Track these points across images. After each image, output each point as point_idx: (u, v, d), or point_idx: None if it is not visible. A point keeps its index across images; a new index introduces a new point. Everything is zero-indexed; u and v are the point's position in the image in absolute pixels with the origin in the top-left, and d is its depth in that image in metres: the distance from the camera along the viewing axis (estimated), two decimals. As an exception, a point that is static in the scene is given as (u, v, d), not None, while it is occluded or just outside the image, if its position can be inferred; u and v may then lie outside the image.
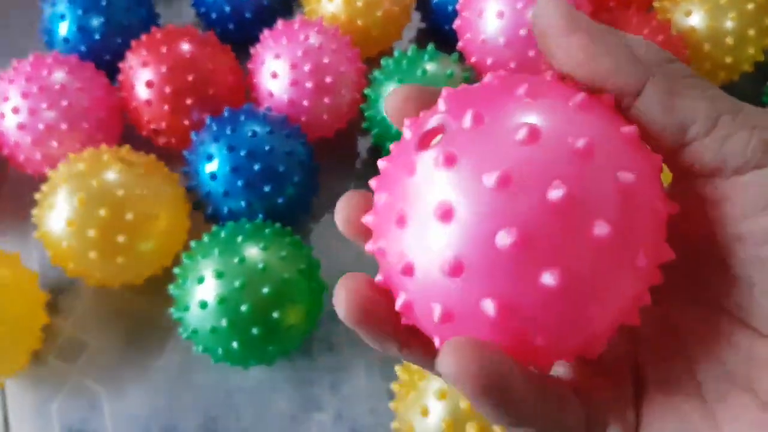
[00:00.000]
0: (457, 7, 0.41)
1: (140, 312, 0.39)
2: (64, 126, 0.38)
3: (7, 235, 0.42)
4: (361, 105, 0.42)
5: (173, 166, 0.40)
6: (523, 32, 0.37)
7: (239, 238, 0.33)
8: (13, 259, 0.35)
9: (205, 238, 0.34)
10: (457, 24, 0.41)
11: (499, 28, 0.38)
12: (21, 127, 0.37)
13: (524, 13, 0.37)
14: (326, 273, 0.37)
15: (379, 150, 0.44)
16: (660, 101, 0.16)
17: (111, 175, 0.34)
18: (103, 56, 0.43)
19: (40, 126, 0.37)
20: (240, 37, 0.45)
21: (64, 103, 0.38)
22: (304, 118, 0.41)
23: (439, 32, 0.47)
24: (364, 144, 0.46)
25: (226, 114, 0.38)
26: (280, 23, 0.41)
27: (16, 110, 0.37)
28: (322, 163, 0.42)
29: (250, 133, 0.36)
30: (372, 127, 0.42)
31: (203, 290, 0.32)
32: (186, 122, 0.40)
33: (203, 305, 0.32)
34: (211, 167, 0.36)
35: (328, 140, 0.44)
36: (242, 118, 0.37)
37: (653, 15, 0.42)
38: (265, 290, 0.32)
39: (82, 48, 0.42)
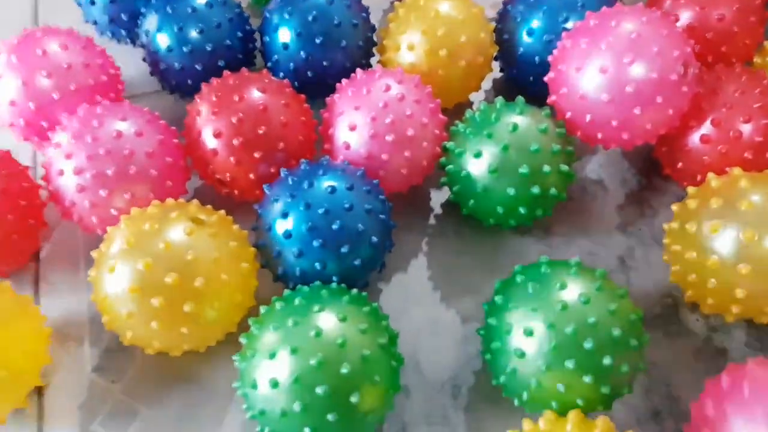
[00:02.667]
0: (550, 59, 0.38)
1: (197, 378, 0.35)
2: (128, 174, 0.35)
3: (55, 284, 0.40)
4: (441, 159, 0.39)
5: (236, 216, 0.37)
6: (629, 89, 0.34)
7: (315, 308, 0.30)
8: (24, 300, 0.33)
9: (277, 305, 0.31)
10: (550, 77, 0.38)
11: (602, 84, 0.35)
12: (79, 183, 0.35)
13: (631, 69, 0.34)
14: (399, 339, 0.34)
15: (455, 206, 0.40)
16: None
17: (180, 236, 0.31)
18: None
19: (102, 174, 0.35)
20: (316, 87, 0.43)
21: (126, 151, 0.35)
22: (382, 173, 0.38)
23: (518, 81, 0.44)
24: (437, 198, 0.43)
25: (302, 167, 0.35)
26: (359, 73, 0.39)
27: (69, 156, 0.35)
28: (395, 218, 0.39)
29: (329, 189, 0.33)
30: (452, 183, 0.38)
31: (275, 367, 0.28)
32: (252, 176, 0.37)
33: (274, 384, 0.28)
34: (285, 225, 0.33)
35: (400, 194, 0.41)
36: (320, 172, 0.34)
37: (762, 74, 0.39)
38: (344, 370, 0.28)
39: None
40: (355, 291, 0.32)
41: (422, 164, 0.38)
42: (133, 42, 0.48)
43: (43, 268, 0.40)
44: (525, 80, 0.43)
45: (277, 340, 0.29)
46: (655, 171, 0.43)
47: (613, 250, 0.40)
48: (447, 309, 0.38)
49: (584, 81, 0.35)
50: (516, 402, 0.31)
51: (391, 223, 0.36)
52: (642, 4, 0.38)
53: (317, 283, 0.32)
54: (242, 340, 0.31)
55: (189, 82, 0.42)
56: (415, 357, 0.36)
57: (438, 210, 0.42)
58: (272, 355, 0.29)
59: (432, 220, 0.42)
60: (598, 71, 0.35)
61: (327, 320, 0.29)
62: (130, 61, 0.47)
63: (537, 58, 0.41)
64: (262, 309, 0.31)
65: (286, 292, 0.32)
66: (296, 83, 0.42)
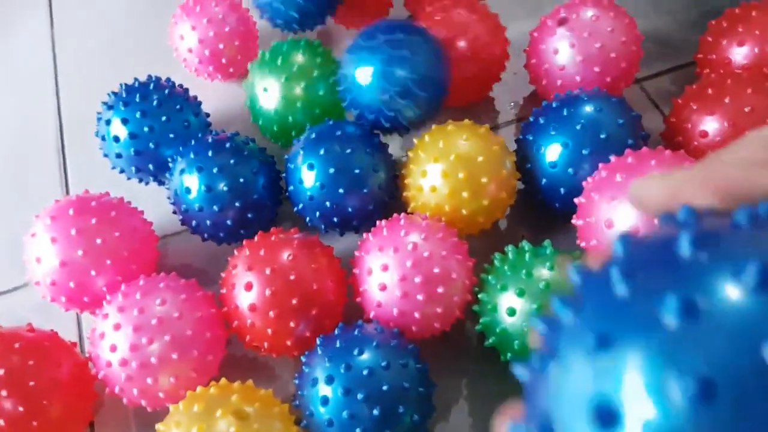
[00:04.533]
0: (576, 218, 0.38)
1: None
2: (171, 360, 0.36)
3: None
4: (474, 307, 0.39)
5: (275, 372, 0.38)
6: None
7: None
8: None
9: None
10: (578, 224, 0.38)
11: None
12: (126, 373, 0.36)
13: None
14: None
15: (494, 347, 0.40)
16: None
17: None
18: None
19: (147, 364, 0.36)
20: (342, 225, 0.43)
21: (167, 337, 0.36)
22: (414, 328, 0.38)
23: (544, 204, 0.44)
24: (472, 332, 0.43)
25: (338, 343, 0.36)
26: (384, 226, 0.39)
27: (113, 349, 0.36)
28: (431, 360, 0.39)
29: (366, 372, 0.34)
30: (489, 333, 0.38)
31: None
32: (289, 342, 0.38)
33: None
34: (326, 412, 0.34)
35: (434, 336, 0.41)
36: (356, 350, 0.35)
37: None
38: None
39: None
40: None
41: (454, 314, 0.39)
42: (161, 182, 0.49)
43: (97, 437, 0.42)
44: (551, 205, 0.43)
45: None
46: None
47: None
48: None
49: (614, 234, 0.35)
50: None
51: (431, 388, 0.36)
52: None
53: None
54: None
55: (221, 234, 0.43)
56: None
57: (475, 347, 0.42)
58: None
59: (471, 363, 0.42)
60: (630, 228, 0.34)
61: None
62: (160, 200, 0.48)
63: (562, 190, 0.41)
64: None
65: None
66: (323, 225, 0.43)
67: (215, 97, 0.54)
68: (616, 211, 0.35)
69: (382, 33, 0.42)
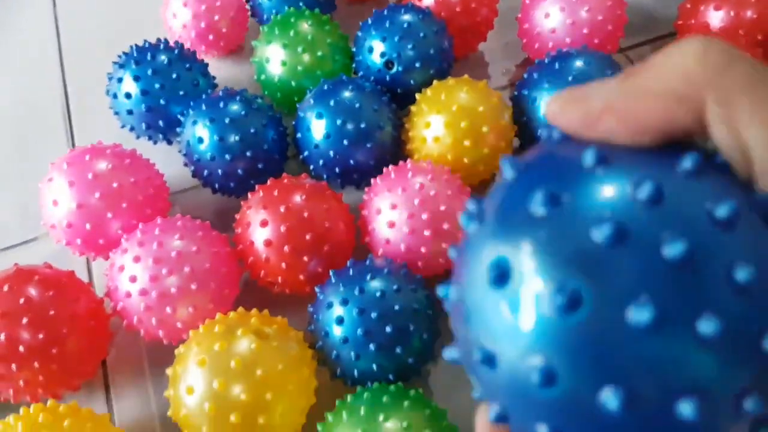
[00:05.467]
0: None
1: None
2: (190, 290, 0.38)
3: (123, 388, 0.42)
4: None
5: (287, 310, 0.40)
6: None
7: (381, 417, 0.32)
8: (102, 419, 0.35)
9: (344, 415, 0.33)
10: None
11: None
12: (146, 303, 0.38)
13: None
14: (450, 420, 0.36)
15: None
16: (718, 130, 0.14)
17: (247, 353, 0.34)
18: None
19: (167, 293, 0.38)
20: (346, 178, 0.46)
21: (187, 269, 0.38)
22: (420, 264, 0.40)
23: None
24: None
25: (351, 272, 0.38)
26: (392, 170, 0.42)
27: (133, 279, 0.38)
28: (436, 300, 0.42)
29: (379, 294, 0.36)
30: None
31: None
32: (302, 277, 0.40)
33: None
34: (341, 331, 0.36)
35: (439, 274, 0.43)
36: (368, 276, 0.37)
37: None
38: None
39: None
40: (415, 392, 0.34)
41: (458, 252, 0.41)
42: (169, 142, 0.51)
43: (111, 375, 0.43)
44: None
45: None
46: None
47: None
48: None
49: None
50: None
51: (436, 313, 0.38)
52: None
53: (376, 385, 0.35)
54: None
55: (231, 184, 0.45)
56: (467, 436, 0.39)
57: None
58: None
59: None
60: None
61: (392, 429, 0.32)
62: (168, 159, 0.50)
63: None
64: (330, 418, 0.34)
65: (349, 397, 0.35)
66: (325, 176, 0.46)
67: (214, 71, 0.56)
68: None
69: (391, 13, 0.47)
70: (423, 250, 0.40)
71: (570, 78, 0.43)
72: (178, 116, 0.48)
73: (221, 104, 0.45)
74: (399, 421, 0.32)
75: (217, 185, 0.46)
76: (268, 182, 0.42)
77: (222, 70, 0.56)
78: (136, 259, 0.38)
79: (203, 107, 0.45)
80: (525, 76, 0.46)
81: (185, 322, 0.39)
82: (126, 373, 0.43)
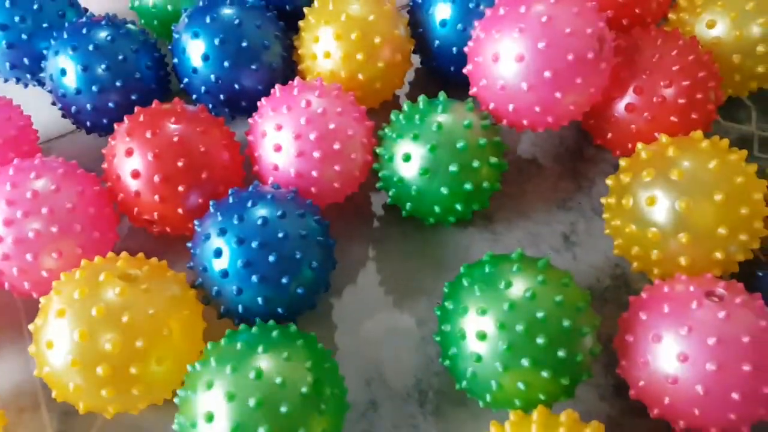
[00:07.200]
0: (466, 51, 0.38)
1: (160, 430, 0.35)
2: (51, 233, 0.34)
3: (1, 352, 0.38)
4: (374, 165, 0.39)
5: (173, 252, 0.37)
6: (547, 74, 0.34)
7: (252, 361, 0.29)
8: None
9: (212, 361, 0.30)
10: (468, 70, 0.38)
11: (520, 73, 0.34)
12: (3, 251, 0.34)
13: (548, 53, 0.34)
14: (352, 347, 0.35)
15: (397, 208, 0.40)
16: None
17: (112, 298, 0.30)
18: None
19: (24, 238, 0.34)
20: (233, 107, 0.42)
21: (44, 210, 0.34)
22: (314, 189, 0.37)
23: (440, 72, 0.43)
24: (378, 201, 0.42)
25: (230, 200, 0.34)
26: (277, 89, 0.38)
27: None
28: (335, 229, 0.39)
29: (260, 221, 0.32)
30: (388, 187, 0.38)
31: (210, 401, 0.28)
32: (180, 210, 0.36)
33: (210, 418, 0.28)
34: (220, 264, 0.32)
35: (339, 204, 0.40)
36: (249, 203, 0.33)
37: (677, 34, 0.39)
38: (284, 409, 0.28)
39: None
40: (292, 328, 0.31)
41: (354, 175, 0.38)
42: (41, 84, 0.46)
43: (-17, 338, 0.39)
44: (446, 71, 0.42)
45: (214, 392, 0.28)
46: (587, 141, 0.43)
47: (555, 228, 0.40)
48: (402, 314, 0.38)
49: (502, 71, 0.35)
50: (481, 404, 0.31)
51: (330, 241, 0.35)
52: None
53: (257, 326, 0.32)
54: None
55: (104, 121, 0.41)
56: (378, 368, 0.36)
57: (380, 212, 0.42)
58: (210, 418, 0.28)
59: (375, 224, 0.42)
60: (514, 60, 0.34)
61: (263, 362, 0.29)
62: (41, 104, 0.45)
63: (454, 49, 0.40)
64: (196, 365, 0.31)
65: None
66: (211, 105, 0.41)
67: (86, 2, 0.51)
68: (501, 43, 0.35)
69: None
70: (314, 174, 0.36)
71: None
72: (45, 52, 0.42)
73: (84, 30, 0.40)
74: (271, 360, 0.29)
75: (88, 123, 0.41)
76: (135, 110, 0.37)
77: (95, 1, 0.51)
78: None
79: (65, 35, 0.40)
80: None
81: (52, 272, 0.35)
82: (3, 338, 0.39)
